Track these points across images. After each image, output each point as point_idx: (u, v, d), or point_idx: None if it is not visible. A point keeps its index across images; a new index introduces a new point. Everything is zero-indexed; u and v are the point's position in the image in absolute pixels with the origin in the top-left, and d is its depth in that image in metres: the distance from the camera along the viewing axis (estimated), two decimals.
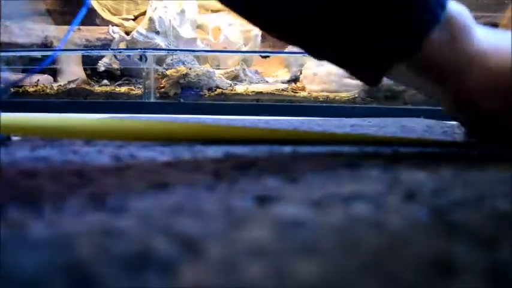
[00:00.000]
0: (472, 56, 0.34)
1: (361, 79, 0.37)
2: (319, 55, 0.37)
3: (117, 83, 1.48)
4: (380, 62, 0.35)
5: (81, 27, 1.52)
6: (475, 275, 0.14)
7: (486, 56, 0.34)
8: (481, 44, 0.35)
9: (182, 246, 0.16)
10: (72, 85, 1.43)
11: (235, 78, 1.49)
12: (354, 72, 0.36)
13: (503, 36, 0.36)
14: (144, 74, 1.41)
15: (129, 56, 1.46)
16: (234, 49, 1.55)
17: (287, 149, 0.38)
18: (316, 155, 0.37)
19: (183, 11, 1.53)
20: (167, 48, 1.50)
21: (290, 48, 1.45)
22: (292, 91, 1.40)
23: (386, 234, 0.18)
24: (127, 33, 1.53)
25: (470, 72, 0.35)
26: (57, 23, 1.63)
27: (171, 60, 1.44)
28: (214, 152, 0.36)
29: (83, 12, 1.05)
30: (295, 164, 0.32)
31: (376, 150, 0.41)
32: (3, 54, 1.43)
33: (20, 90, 1.39)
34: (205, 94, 1.39)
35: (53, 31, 1.54)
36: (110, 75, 1.50)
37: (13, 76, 1.42)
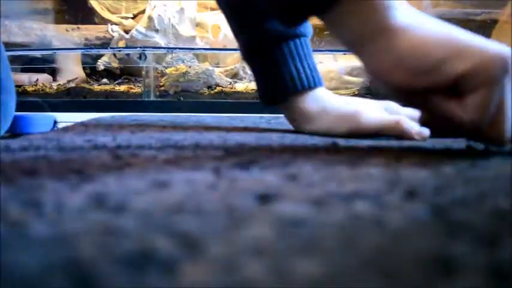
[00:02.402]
0: (388, 29, 0.35)
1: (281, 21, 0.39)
2: None
3: (117, 82, 1.48)
4: (295, 12, 0.37)
5: (80, 25, 1.52)
6: (476, 273, 0.14)
7: (402, 32, 0.34)
8: (400, 20, 0.35)
9: (183, 245, 0.16)
10: (72, 84, 1.43)
11: (235, 76, 1.49)
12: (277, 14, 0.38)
13: (427, 19, 0.37)
14: (143, 72, 1.41)
15: (128, 54, 1.46)
16: (234, 47, 1.55)
17: (288, 147, 0.38)
18: (317, 153, 0.37)
19: (182, 9, 1.53)
20: (166, 46, 1.50)
21: None
22: None
23: (387, 233, 0.18)
24: (126, 32, 1.52)
25: (384, 44, 0.35)
26: (57, 22, 1.63)
27: (171, 58, 1.43)
28: (215, 149, 0.36)
29: None
30: (296, 162, 0.32)
31: (377, 148, 0.41)
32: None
33: (20, 89, 1.38)
34: (205, 92, 1.39)
35: (52, 30, 1.54)
36: (110, 74, 1.50)
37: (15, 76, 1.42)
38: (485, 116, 0.33)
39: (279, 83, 0.54)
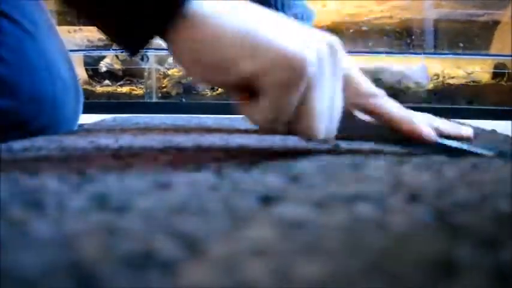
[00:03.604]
0: (189, 17, 0.31)
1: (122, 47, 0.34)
2: (89, 18, 0.35)
3: (119, 83, 1.48)
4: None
5: (82, 27, 1.52)
6: (478, 275, 0.14)
7: (201, 22, 0.31)
8: (203, 8, 0.31)
9: (185, 245, 0.16)
10: None
11: None
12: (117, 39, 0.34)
13: (236, 9, 0.33)
14: (145, 74, 1.41)
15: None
16: None
17: (290, 148, 0.38)
18: (319, 155, 0.37)
19: None
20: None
21: None
22: None
23: (389, 235, 0.18)
24: None
25: (184, 34, 0.32)
26: (59, 23, 1.63)
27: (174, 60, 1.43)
28: (216, 151, 0.36)
29: None
30: (298, 163, 0.32)
31: (379, 150, 0.41)
32: None
33: None
34: (207, 93, 1.39)
35: None
36: (112, 75, 1.50)
37: None
38: (277, 118, 0.32)
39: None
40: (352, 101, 0.36)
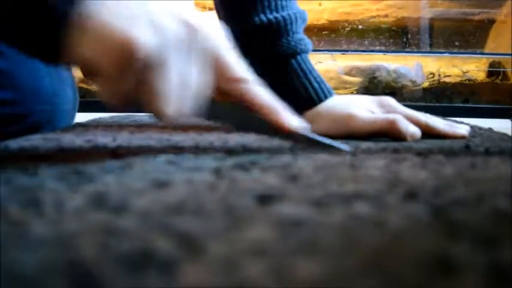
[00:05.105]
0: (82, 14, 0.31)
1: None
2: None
3: None
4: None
5: None
6: (475, 273, 0.14)
7: (86, 17, 0.31)
8: (92, 6, 0.31)
9: (183, 245, 0.16)
10: None
11: None
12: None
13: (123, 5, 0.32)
14: None
15: None
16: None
17: (288, 147, 0.38)
18: (317, 153, 0.37)
19: None
20: None
21: None
22: None
23: (387, 233, 0.18)
24: None
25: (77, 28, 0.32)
26: None
27: None
28: (215, 150, 0.36)
29: None
30: (296, 163, 0.32)
31: (377, 149, 0.41)
32: None
33: None
34: None
35: None
36: None
37: None
38: (119, 96, 0.32)
39: (294, 101, 0.53)
40: (219, 85, 0.35)
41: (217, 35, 0.34)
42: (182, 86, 0.32)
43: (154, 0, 0.33)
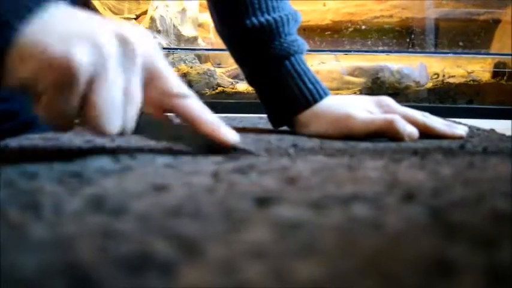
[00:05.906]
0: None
1: None
2: None
3: None
4: None
5: None
6: (473, 275, 0.14)
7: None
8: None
9: (182, 248, 0.16)
10: None
11: (236, 76, 1.49)
12: None
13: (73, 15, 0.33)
14: None
15: None
16: None
17: (286, 149, 0.38)
18: (315, 155, 0.37)
19: (184, 10, 1.53)
20: (168, 47, 1.50)
21: None
22: None
23: (385, 235, 0.18)
24: None
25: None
26: None
27: (172, 59, 1.44)
28: (213, 152, 0.36)
29: None
30: (295, 165, 0.32)
31: (375, 150, 0.41)
32: None
33: None
34: (206, 93, 1.39)
35: None
36: None
37: None
38: (60, 117, 0.32)
39: (288, 103, 0.54)
40: (156, 100, 0.35)
41: (154, 52, 0.34)
42: (123, 103, 0.32)
43: (92, 19, 0.33)
